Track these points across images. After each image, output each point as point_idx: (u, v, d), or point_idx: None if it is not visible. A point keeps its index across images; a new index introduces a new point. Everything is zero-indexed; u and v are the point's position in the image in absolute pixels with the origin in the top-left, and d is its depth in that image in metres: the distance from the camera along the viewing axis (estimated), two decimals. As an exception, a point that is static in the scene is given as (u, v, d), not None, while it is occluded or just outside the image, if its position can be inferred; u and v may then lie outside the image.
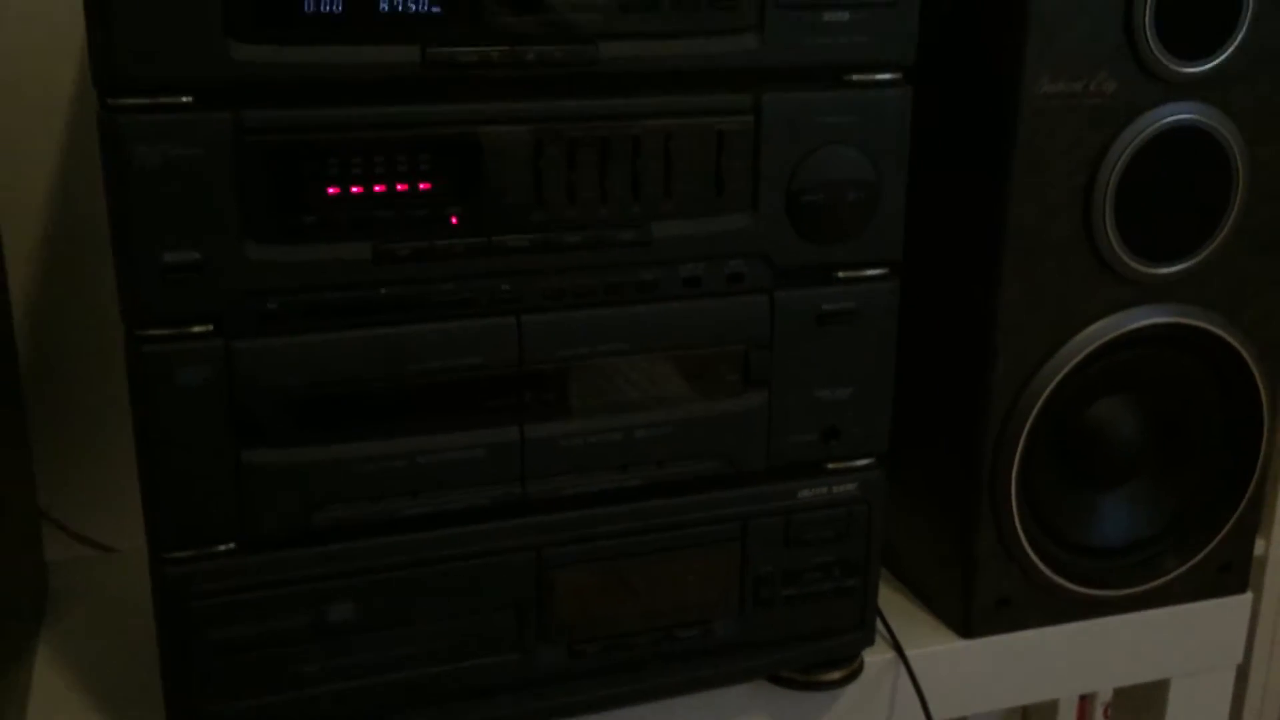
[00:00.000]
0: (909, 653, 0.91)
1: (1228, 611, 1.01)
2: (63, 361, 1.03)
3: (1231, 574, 0.99)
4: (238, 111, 0.66)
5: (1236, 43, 0.85)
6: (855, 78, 0.77)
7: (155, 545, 0.71)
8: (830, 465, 0.83)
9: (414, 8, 0.68)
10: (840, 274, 0.80)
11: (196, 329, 0.68)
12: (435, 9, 0.68)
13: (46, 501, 1.03)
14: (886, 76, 0.77)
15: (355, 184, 0.69)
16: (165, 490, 0.70)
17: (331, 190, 0.69)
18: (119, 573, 0.99)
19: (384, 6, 0.67)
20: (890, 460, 0.85)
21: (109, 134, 0.64)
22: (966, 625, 0.93)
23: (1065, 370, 0.89)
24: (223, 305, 0.68)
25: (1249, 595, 1.01)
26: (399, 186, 0.70)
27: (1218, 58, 0.85)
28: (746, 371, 0.80)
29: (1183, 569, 0.97)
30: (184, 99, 0.65)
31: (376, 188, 0.69)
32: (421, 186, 0.70)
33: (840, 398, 0.82)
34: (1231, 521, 0.97)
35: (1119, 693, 1.12)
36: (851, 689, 0.90)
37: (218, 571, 0.72)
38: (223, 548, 0.72)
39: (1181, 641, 1.00)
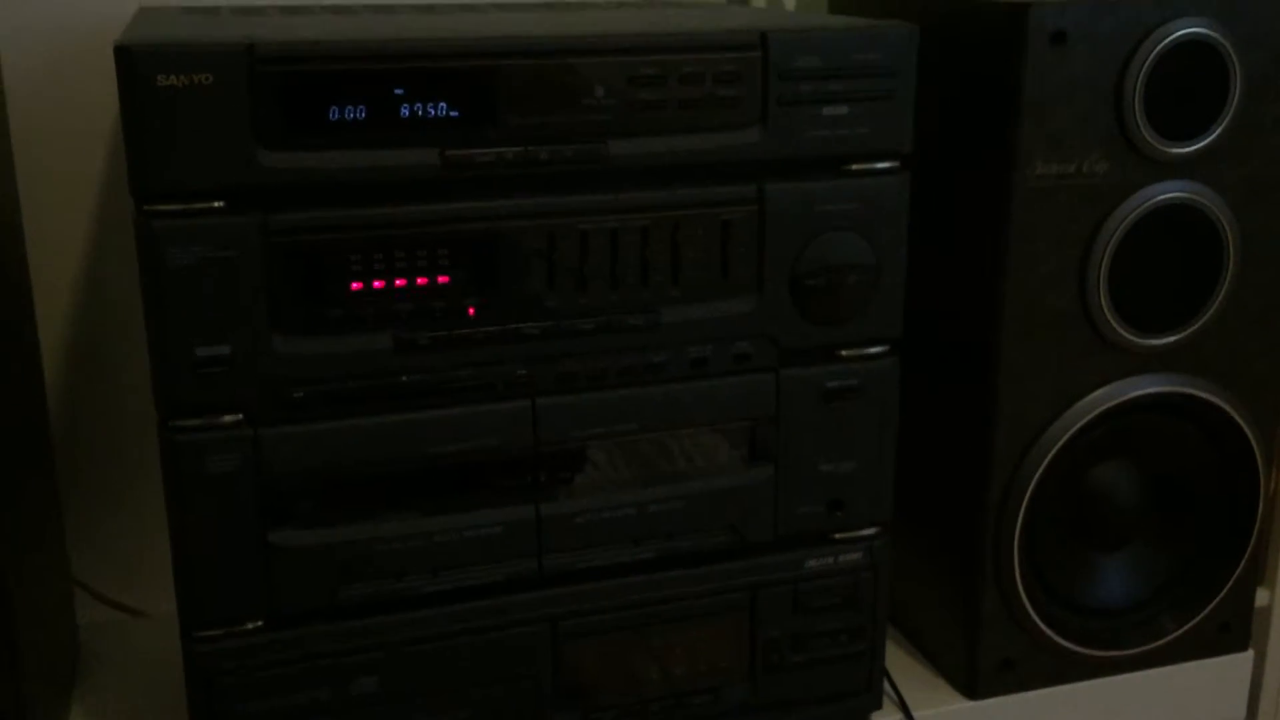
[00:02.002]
0: (916, 714, 0.94)
1: (1229, 670, 1.02)
2: (94, 428, 1.06)
3: (1231, 633, 1.01)
4: (266, 214, 0.70)
5: (1224, 124, 0.88)
6: (855, 167, 0.80)
7: (186, 624, 0.74)
8: (836, 535, 0.86)
9: (433, 113, 0.71)
10: (843, 352, 0.83)
11: (227, 418, 0.72)
12: (453, 113, 0.71)
13: (78, 566, 1.06)
14: (885, 165, 0.81)
15: (377, 279, 0.72)
16: (196, 571, 0.73)
17: (355, 285, 0.72)
18: (149, 636, 1.03)
19: (405, 112, 0.71)
20: (898, 523, 0.88)
21: (145, 237, 0.68)
22: (972, 686, 0.96)
23: (1065, 438, 0.91)
24: (251, 395, 0.72)
25: (1250, 653, 1.03)
26: (419, 280, 0.73)
27: (1206, 138, 0.88)
28: (754, 447, 0.83)
29: (1183, 629, 0.99)
30: (215, 204, 0.69)
31: (398, 282, 0.73)
32: (440, 280, 0.74)
33: (845, 470, 0.85)
34: (1230, 582, 0.99)
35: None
36: (860, 751, 0.92)
37: (246, 648, 0.75)
38: (251, 625, 0.75)
39: (1184, 700, 1.02)
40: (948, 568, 0.97)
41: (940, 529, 0.98)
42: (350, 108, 0.70)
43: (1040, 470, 0.91)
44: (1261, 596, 1.23)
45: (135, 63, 0.66)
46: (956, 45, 0.90)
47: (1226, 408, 0.94)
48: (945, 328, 0.94)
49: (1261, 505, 0.98)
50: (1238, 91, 0.88)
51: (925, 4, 0.94)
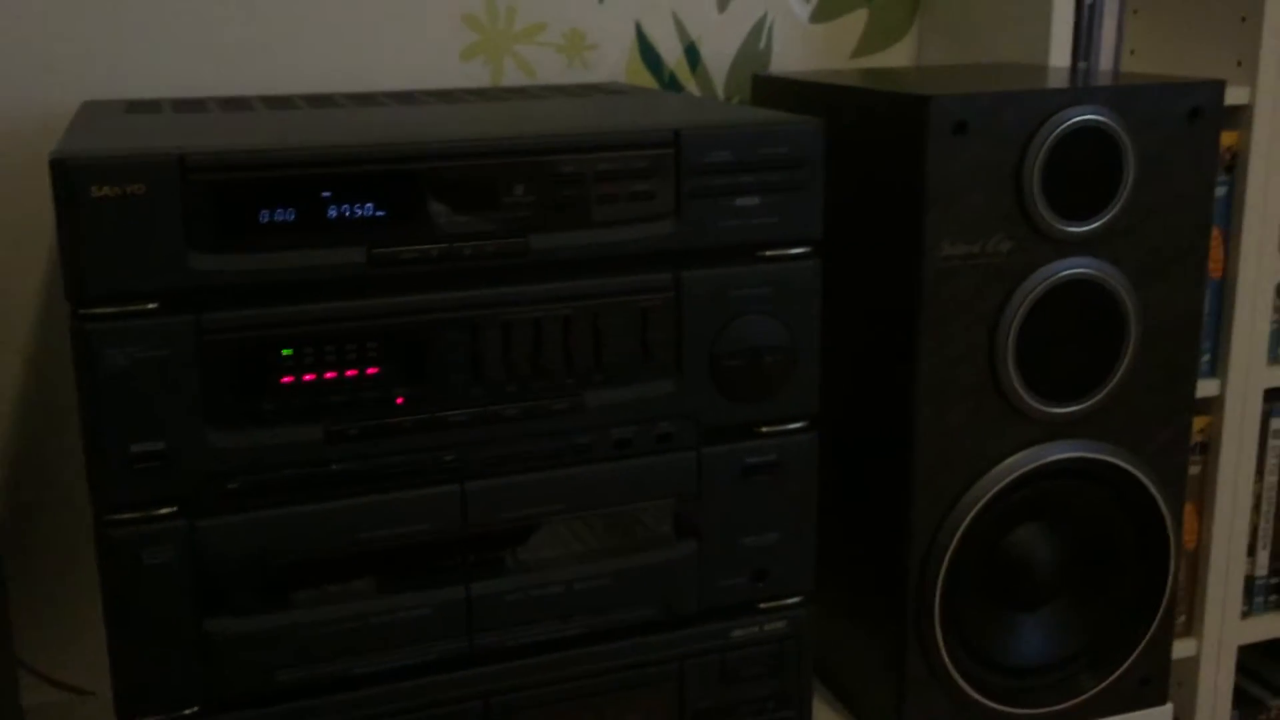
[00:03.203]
0: (846, 775, 0.97)
1: (1150, 722, 1.06)
2: (38, 509, 1.08)
3: (1150, 687, 1.05)
4: (199, 314, 0.72)
5: (1120, 203, 0.93)
6: (768, 254, 0.84)
7: (123, 712, 0.76)
8: (761, 605, 0.89)
9: (360, 213, 0.75)
10: (763, 429, 0.87)
11: (162, 511, 0.74)
12: (379, 213, 0.75)
13: (21, 647, 1.07)
14: (797, 251, 0.85)
15: (308, 373, 0.75)
16: (133, 660, 0.75)
17: (286, 379, 0.75)
18: (93, 715, 1.04)
19: (332, 213, 0.74)
20: (827, 590, 0.91)
21: (80, 340, 0.71)
22: (901, 746, 0.99)
23: (981, 504, 0.95)
24: (186, 488, 0.74)
25: (1169, 706, 1.07)
26: (348, 373, 0.76)
27: (1103, 217, 0.93)
28: (678, 523, 0.86)
29: (1102, 685, 1.03)
30: (149, 306, 0.71)
31: (327, 375, 0.76)
32: (370, 371, 0.77)
33: (767, 542, 0.88)
34: (1147, 637, 1.03)
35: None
36: (792, 813, 0.95)
37: (183, 734, 0.77)
38: (188, 711, 0.77)
39: (1107, 753, 1.05)
40: (874, 632, 1.00)
41: (866, 595, 1.01)
42: (279, 211, 0.73)
43: (958, 536, 0.95)
44: (1190, 647, 1.28)
45: (69, 174, 0.69)
46: (866, 135, 0.95)
47: (1134, 471, 0.98)
48: (863, 402, 0.98)
49: (1173, 562, 1.02)
50: (1132, 173, 0.93)
51: (838, 95, 0.99)
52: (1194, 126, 0.94)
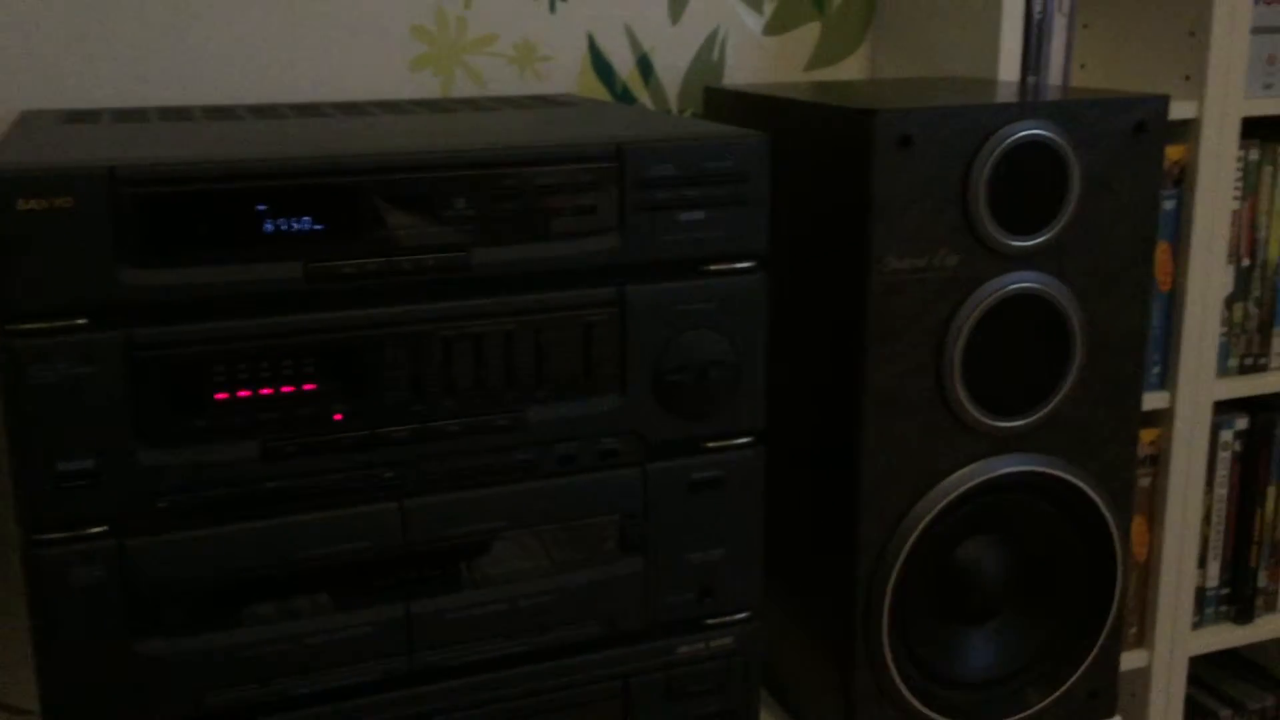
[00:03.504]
0: (795, 791, 0.96)
1: (1098, 735, 1.06)
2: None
3: (1099, 699, 1.05)
4: (129, 330, 0.71)
5: (1065, 218, 0.93)
6: (713, 268, 0.84)
7: (52, 736, 0.74)
8: (707, 621, 0.89)
9: (296, 226, 0.74)
10: (708, 445, 0.86)
11: (91, 531, 0.72)
12: (317, 226, 0.74)
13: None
14: (742, 265, 0.84)
15: (243, 389, 0.74)
16: (61, 684, 0.74)
17: (220, 395, 0.74)
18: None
19: (268, 227, 0.73)
20: (778, 604, 0.91)
21: (6, 357, 0.69)
22: (849, 761, 0.98)
23: (929, 517, 0.95)
24: (116, 507, 0.73)
25: (1118, 719, 1.07)
26: (285, 389, 0.75)
27: (1049, 231, 0.93)
28: (623, 539, 0.85)
29: (1052, 697, 1.03)
30: (78, 321, 0.70)
31: (263, 391, 0.75)
32: (306, 387, 0.75)
33: (713, 558, 0.88)
34: (1095, 650, 1.03)
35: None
36: (741, 830, 0.94)
37: (114, 758, 0.75)
38: (119, 735, 0.75)
39: (1057, 765, 1.05)
40: (823, 646, 1.00)
41: (815, 610, 1.01)
42: (212, 225, 0.72)
43: (905, 550, 0.95)
44: (1141, 658, 1.28)
45: (-6, 187, 0.67)
46: (814, 148, 0.95)
47: (1081, 484, 0.99)
48: (811, 417, 0.98)
49: (1120, 575, 1.02)
50: (1077, 187, 0.93)
51: (786, 107, 0.99)
52: (1138, 141, 0.95)
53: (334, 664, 0.79)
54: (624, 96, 1.22)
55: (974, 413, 0.94)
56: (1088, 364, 0.97)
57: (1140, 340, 0.99)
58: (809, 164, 0.95)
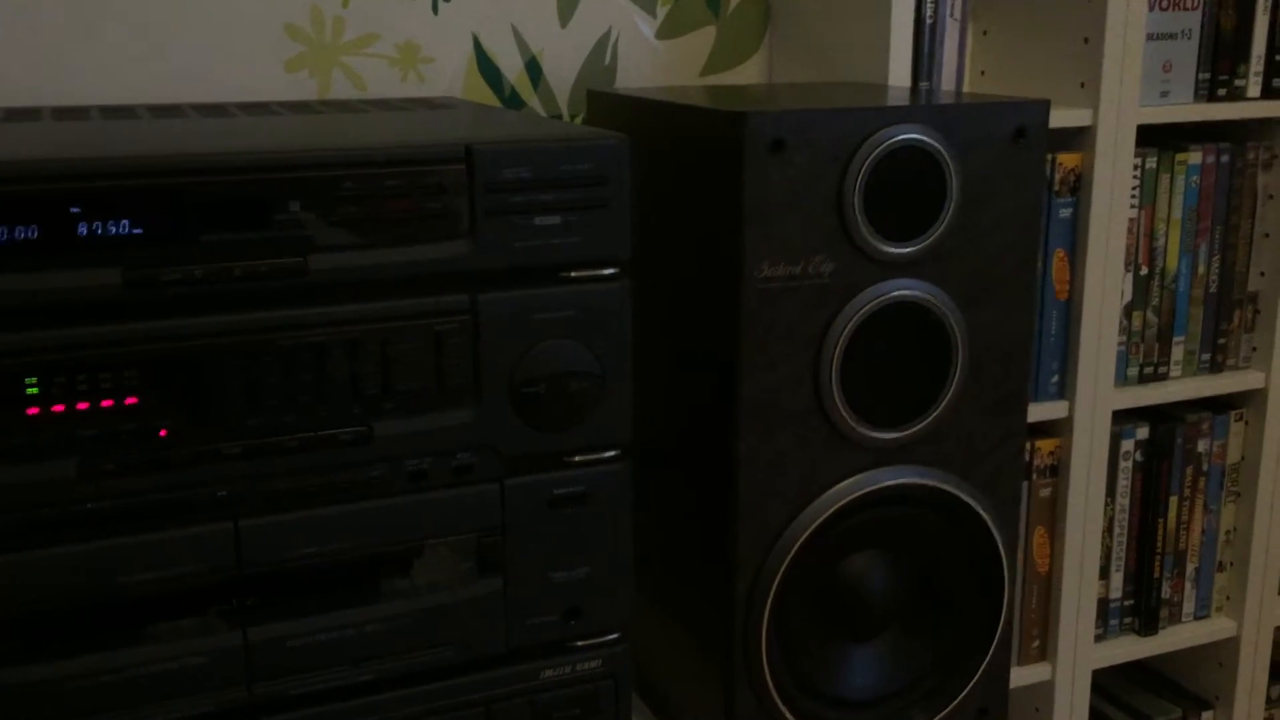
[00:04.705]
0: (674, 819, 0.92)
1: (990, 753, 1.04)
2: None
3: (989, 717, 1.03)
4: (-73, 341, 0.66)
5: (944, 225, 0.91)
6: (572, 274, 0.80)
7: None
8: (574, 643, 0.85)
9: (114, 230, 0.69)
10: (572, 459, 0.83)
11: (-112, 557, 0.67)
12: (136, 230, 0.70)
13: None
14: (604, 272, 0.81)
15: (57, 404, 0.69)
16: None
17: (32, 411, 0.69)
18: None
19: (82, 231, 0.68)
20: (659, 623, 0.87)
21: None
22: (732, 785, 0.95)
23: (809, 531, 0.92)
24: (-83, 531, 0.68)
25: (1009, 736, 1.05)
26: (104, 403, 0.70)
27: (928, 238, 0.91)
28: (481, 558, 0.81)
29: (939, 716, 1.00)
30: None
31: (80, 406, 0.70)
32: (128, 401, 0.71)
33: (579, 577, 0.84)
34: (984, 666, 1.01)
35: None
36: None
37: (-82, 801, 0.70)
38: (-76, 775, 0.70)
39: (948, 786, 1.03)
40: (702, 665, 0.97)
41: (694, 626, 0.97)
42: (20, 228, 0.67)
43: (784, 566, 0.92)
44: (1044, 671, 1.27)
45: None
46: (689, 152, 0.92)
47: (964, 496, 0.96)
48: (685, 429, 0.94)
49: (1008, 589, 1.00)
50: (956, 194, 0.91)
51: (665, 111, 0.96)
52: (1019, 147, 0.93)
53: (166, 697, 0.74)
54: (512, 101, 1.18)
55: (853, 424, 0.92)
56: (970, 374, 0.95)
57: (1025, 349, 0.97)
58: (685, 169, 0.92)
